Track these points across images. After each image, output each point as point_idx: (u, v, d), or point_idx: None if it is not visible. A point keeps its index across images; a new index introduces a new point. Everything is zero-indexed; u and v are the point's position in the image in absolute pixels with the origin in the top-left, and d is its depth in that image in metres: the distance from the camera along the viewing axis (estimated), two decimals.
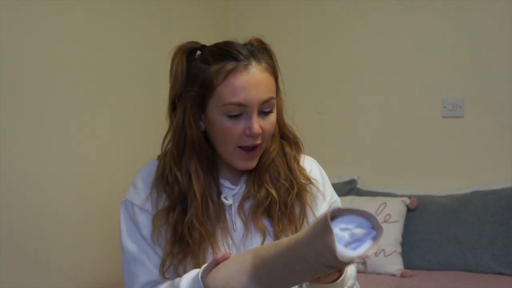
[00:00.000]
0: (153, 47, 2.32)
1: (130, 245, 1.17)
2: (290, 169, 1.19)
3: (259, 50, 1.14)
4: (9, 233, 1.70)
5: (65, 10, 1.92)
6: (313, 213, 1.20)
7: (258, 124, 1.10)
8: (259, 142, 1.11)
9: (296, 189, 1.17)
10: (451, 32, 2.59)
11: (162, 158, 1.18)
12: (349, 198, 2.53)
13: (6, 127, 1.70)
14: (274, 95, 1.13)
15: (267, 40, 1.20)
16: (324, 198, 1.22)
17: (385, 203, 2.44)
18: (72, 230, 1.95)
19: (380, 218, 2.40)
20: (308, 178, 1.20)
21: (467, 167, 2.59)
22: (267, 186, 1.16)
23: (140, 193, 1.18)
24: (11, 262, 1.71)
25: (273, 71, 1.15)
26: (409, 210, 2.45)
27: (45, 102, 1.85)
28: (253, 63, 1.10)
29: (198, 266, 1.10)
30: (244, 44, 1.15)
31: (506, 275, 2.21)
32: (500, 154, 2.53)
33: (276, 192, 1.16)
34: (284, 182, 1.17)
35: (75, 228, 1.96)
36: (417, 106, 2.66)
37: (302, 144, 1.25)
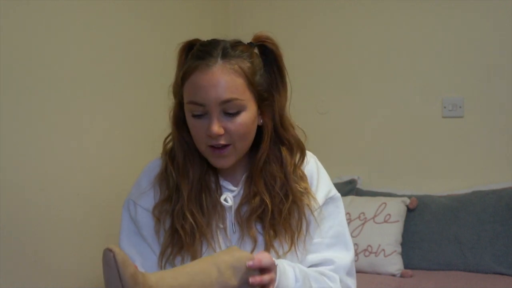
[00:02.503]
0: (153, 47, 2.32)
1: (126, 248, 1.17)
2: (286, 177, 1.17)
3: (236, 49, 1.12)
4: (9, 233, 1.70)
5: (64, 10, 1.91)
6: (312, 221, 1.19)
7: (218, 125, 1.08)
8: (222, 142, 1.10)
9: (291, 198, 1.15)
10: (451, 32, 2.59)
11: (163, 154, 1.21)
12: (349, 198, 2.53)
13: (6, 127, 1.70)
14: (238, 96, 1.09)
15: (274, 38, 1.20)
16: (318, 204, 1.20)
17: (385, 203, 2.44)
18: (72, 230, 1.95)
19: (380, 218, 2.40)
20: (305, 188, 1.18)
21: (467, 167, 2.59)
22: (262, 194, 1.15)
23: (142, 191, 1.20)
24: (11, 262, 1.71)
25: (244, 73, 1.10)
26: (409, 210, 2.45)
27: (45, 101, 1.84)
28: (219, 63, 1.08)
29: (193, 259, 1.12)
30: (228, 42, 1.14)
31: (506, 275, 2.21)
32: (500, 154, 2.53)
33: (271, 200, 1.14)
34: (278, 191, 1.15)
35: (75, 228, 1.96)
36: (417, 106, 2.67)
37: (304, 149, 1.22)
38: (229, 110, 1.09)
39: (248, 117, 1.12)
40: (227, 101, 1.08)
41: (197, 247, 1.13)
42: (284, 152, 1.19)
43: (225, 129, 1.09)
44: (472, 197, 2.42)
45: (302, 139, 1.22)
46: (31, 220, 1.79)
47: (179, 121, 1.16)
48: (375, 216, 2.41)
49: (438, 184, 2.60)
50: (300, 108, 3.04)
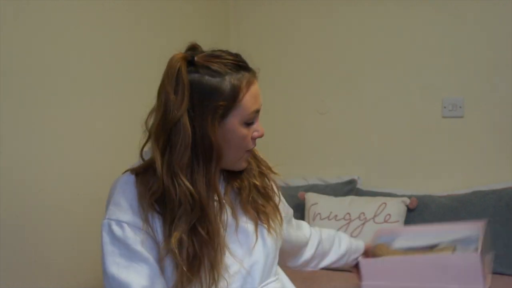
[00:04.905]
0: (153, 48, 2.32)
1: (116, 271, 1.10)
2: (256, 157, 1.29)
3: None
4: (9, 233, 1.70)
5: (65, 10, 1.92)
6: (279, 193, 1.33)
7: None
8: None
9: (265, 173, 1.29)
10: (451, 32, 2.59)
11: (173, 178, 1.11)
12: (349, 198, 2.53)
13: (6, 127, 1.70)
14: None
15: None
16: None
17: (385, 203, 2.44)
18: (72, 230, 1.95)
19: (380, 218, 2.40)
20: (268, 166, 1.32)
21: (467, 167, 2.59)
22: (247, 176, 1.25)
23: (126, 211, 1.12)
24: (11, 262, 1.71)
25: None
26: (409, 210, 2.45)
27: (45, 101, 1.85)
28: (253, 72, 1.19)
29: (219, 266, 1.14)
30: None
31: (506, 275, 2.21)
32: (500, 154, 2.53)
33: (255, 179, 1.26)
34: (256, 170, 1.27)
35: (75, 228, 1.96)
36: (417, 106, 2.67)
37: None
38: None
39: None
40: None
41: (221, 261, 1.16)
42: None
43: None
44: (472, 197, 2.41)
45: None
46: (31, 220, 1.80)
47: (217, 137, 1.13)
48: (375, 216, 2.41)
49: (438, 184, 2.60)
50: (300, 108, 3.04)
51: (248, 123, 1.16)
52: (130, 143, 2.19)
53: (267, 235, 1.25)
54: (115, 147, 2.14)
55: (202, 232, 1.10)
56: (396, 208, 2.42)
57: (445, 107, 2.61)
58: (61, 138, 1.91)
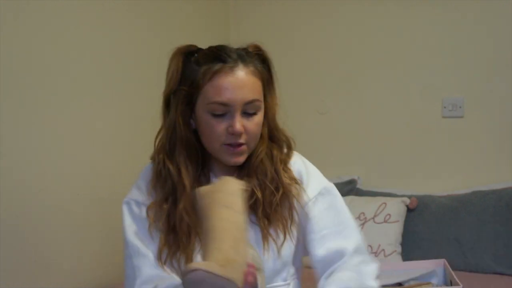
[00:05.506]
0: (153, 48, 2.32)
1: (135, 239, 1.20)
2: (276, 171, 1.24)
3: (249, 55, 1.19)
4: (9, 233, 1.70)
5: (65, 10, 1.92)
6: (297, 212, 1.26)
7: (240, 124, 1.15)
8: (241, 141, 1.17)
9: (281, 191, 1.23)
10: (451, 32, 2.59)
11: (155, 155, 1.23)
12: (349, 198, 2.53)
13: (6, 127, 1.70)
14: (259, 97, 1.18)
15: (266, 45, 1.26)
16: (308, 197, 1.26)
17: (385, 203, 2.44)
18: (72, 230, 1.95)
19: (380, 218, 2.40)
20: (292, 178, 1.26)
21: (467, 167, 2.59)
22: (254, 187, 1.21)
23: (144, 193, 1.23)
24: (11, 262, 1.71)
25: (261, 76, 1.19)
26: (409, 210, 2.45)
27: (45, 102, 1.85)
28: (240, 65, 1.16)
29: (188, 259, 1.15)
30: (237, 49, 1.20)
31: (506, 275, 2.21)
32: (500, 154, 2.53)
33: (262, 193, 1.21)
34: (269, 184, 1.22)
35: (75, 228, 1.96)
36: (417, 106, 2.67)
37: (294, 145, 1.30)
38: (249, 110, 1.17)
39: (261, 117, 1.21)
40: (250, 102, 1.16)
41: (193, 246, 1.17)
42: (274, 149, 1.26)
43: (244, 128, 1.16)
44: (472, 197, 2.41)
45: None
46: (31, 220, 1.80)
47: (186, 120, 1.19)
48: (375, 216, 2.41)
49: (438, 184, 2.60)
50: (300, 108, 3.04)
51: (215, 114, 1.15)
52: (130, 143, 2.19)
53: (273, 244, 1.23)
54: (115, 147, 2.14)
55: (178, 208, 1.17)
56: (396, 208, 2.42)
57: (445, 107, 2.61)
58: (61, 138, 1.91)
